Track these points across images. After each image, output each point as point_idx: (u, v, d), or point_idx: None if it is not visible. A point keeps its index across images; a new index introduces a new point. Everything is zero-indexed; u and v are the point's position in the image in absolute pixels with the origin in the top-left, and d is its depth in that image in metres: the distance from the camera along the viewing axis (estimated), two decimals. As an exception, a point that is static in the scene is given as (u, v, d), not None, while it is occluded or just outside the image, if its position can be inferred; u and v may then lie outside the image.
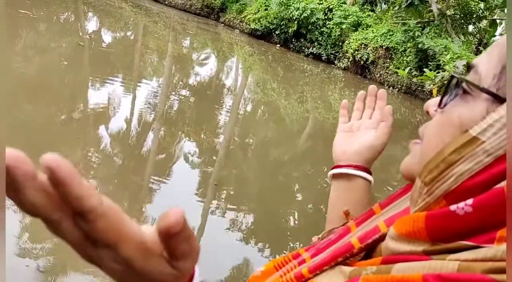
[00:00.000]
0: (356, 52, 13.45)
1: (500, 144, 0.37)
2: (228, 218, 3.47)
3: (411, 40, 12.29)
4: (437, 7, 12.80)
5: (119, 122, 4.91)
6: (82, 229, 0.28)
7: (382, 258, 0.43)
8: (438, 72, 9.86)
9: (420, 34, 12.26)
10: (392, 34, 13.04)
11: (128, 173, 3.84)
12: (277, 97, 8.70)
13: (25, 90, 4.74)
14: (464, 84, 0.43)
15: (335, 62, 14.37)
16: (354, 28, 14.11)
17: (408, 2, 12.78)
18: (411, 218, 0.41)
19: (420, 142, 0.48)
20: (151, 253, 0.30)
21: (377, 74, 13.14)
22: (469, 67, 0.44)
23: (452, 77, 0.45)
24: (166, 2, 17.70)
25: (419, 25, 12.77)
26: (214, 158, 4.86)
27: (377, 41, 13.13)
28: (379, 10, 16.01)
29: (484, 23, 14.40)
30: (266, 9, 15.62)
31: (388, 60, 12.90)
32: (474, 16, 13.87)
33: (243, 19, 16.33)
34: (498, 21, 12.69)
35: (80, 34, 8.64)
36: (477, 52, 13.45)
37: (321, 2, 14.78)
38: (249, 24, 15.86)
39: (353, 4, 15.25)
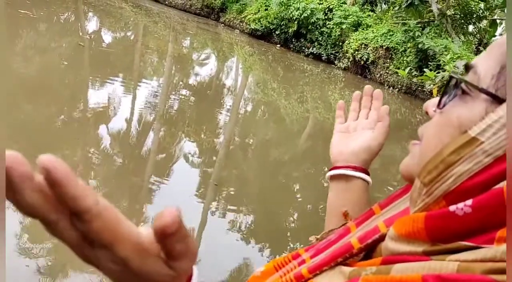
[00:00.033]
0: (356, 52, 13.45)
1: (499, 144, 0.37)
2: (228, 218, 3.47)
3: (411, 40, 12.29)
4: (437, 7, 12.80)
5: (119, 122, 4.91)
6: (79, 230, 0.28)
7: (382, 259, 0.43)
8: (438, 72, 9.87)
9: (420, 34, 12.26)
10: (392, 34, 13.04)
11: (128, 173, 3.84)
12: (277, 97, 8.70)
13: (25, 90, 4.74)
14: (463, 85, 0.43)
15: (335, 62, 14.37)
16: (354, 28, 14.11)
17: (408, 2, 12.78)
18: (411, 219, 0.41)
19: (419, 142, 0.48)
20: (147, 253, 0.30)
21: (377, 74, 13.14)
22: (468, 67, 0.44)
23: (451, 77, 0.45)
24: (166, 2, 17.70)
25: (419, 25, 12.77)
26: (214, 158, 4.86)
27: (377, 41, 13.13)
28: (379, 10, 16.01)
29: (484, 23, 14.40)
30: (266, 9, 15.62)
31: (388, 60, 12.90)
32: (474, 16, 13.87)
33: (243, 19, 16.33)
34: (498, 21, 12.68)
35: (80, 34, 8.64)
36: (477, 52, 13.44)
37: (321, 2, 14.78)
38: (249, 24, 15.86)
39: (353, 4, 15.25)
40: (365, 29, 13.94)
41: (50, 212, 0.27)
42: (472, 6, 13.61)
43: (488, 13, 13.79)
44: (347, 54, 13.86)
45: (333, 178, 0.73)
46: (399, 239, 0.42)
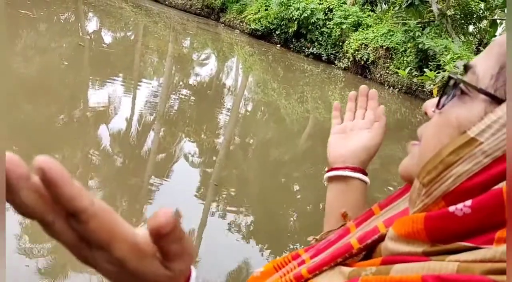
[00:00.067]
0: (357, 52, 13.46)
1: (498, 145, 0.37)
2: (228, 218, 3.47)
3: (412, 40, 12.29)
4: (438, 7, 12.80)
5: (120, 122, 4.91)
6: (75, 230, 0.28)
7: (381, 259, 0.43)
8: (439, 73, 9.87)
9: (420, 34, 12.26)
10: (393, 34, 13.05)
11: (129, 173, 3.84)
12: (277, 98, 8.70)
13: (25, 90, 4.74)
14: (461, 85, 0.43)
15: (336, 62, 14.37)
16: (354, 28, 14.12)
17: (409, 2, 12.78)
18: (410, 219, 0.41)
19: (418, 143, 0.48)
20: (144, 254, 0.30)
21: (377, 74, 13.14)
22: (466, 68, 0.44)
23: (449, 78, 0.45)
24: (167, 2, 17.70)
25: (420, 25, 12.77)
26: (214, 158, 4.86)
27: (377, 41, 13.13)
28: (380, 10, 16.01)
29: (484, 23, 14.40)
30: (266, 9, 15.62)
31: (388, 60, 12.90)
32: (474, 16, 13.88)
33: (243, 19, 16.34)
34: (498, 21, 12.68)
35: (80, 34, 8.64)
36: (477, 52, 13.44)
37: (321, 2, 14.78)
38: (249, 24, 15.86)
39: (353, 4, 15.25)
40: (365, 29, 13.94)
41: (46, 213, 0.27)
42: (472, 6, 13.61)
43: (488, 13, 13.80)
44: (347, 54, 13.86)
45: (331, 179, 0.73)
46: (398, 240, 0.42)
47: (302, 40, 15.07)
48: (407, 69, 11.24)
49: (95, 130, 4.51)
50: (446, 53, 11.20)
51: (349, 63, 13.78)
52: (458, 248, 0.37)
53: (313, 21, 14.44)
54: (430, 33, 12.42)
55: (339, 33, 14.22)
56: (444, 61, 10.80)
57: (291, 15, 14.61)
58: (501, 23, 12.58)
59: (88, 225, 0.27)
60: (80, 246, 0.29)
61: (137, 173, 3.84)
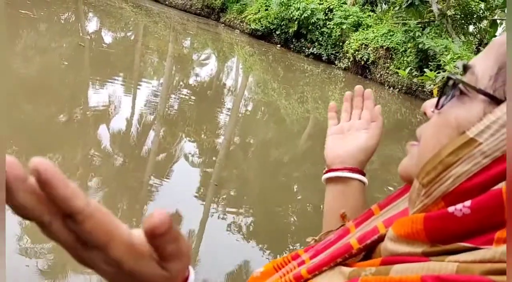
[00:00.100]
0: (357, 52, 13.46)
1: (497, 145, 0.37)
2: (228, 219, 3.47)
3: (412, 41, 12.29)
4: (438, 7, 12.80)
5: (120, 122, 4.91)
6: (72, 231, 0.29)
7: (381, 259, 0.43)
8: (439, 73, 9.86)
9: (420, 34, 12.26)
10: (393, 35, 13.04)
11: (129, 173, 3.84)
12: (277, 98, 8.70)
13: (25, 90, 4.74)
14: (460, 86, 0.43)
15: (336, 62, 14.37)
16: (354, 29, 14.12)
17: (409, 2, 12.78)
18: (410, 219, 0.41)
19: (418, 143, 0.48)
20: (140, 254, 0.30)
21: (377, 75, 13.14)
22: (465, 68, 0.44)
23: (448, 78, 0.45)
24: (167, 2, 17.70)
25: (420, 25, 12.77)
26: (215, 158, 4.86)
27: (377, 42, 13.13)
28: (380, 10, 16.01)
29: (484, 23, 14.40)
30: (266, 9, 15.62)
31: (388, 60, 12.90)
32: (474, 16, 13.88)
33: (243, 19, 16.34)
34: (498, 21, 12.68)
35: (81, 34, 8.64)
36: (478, 52, 13.41)
37: (322, 2, 14.78)
38: (250, 24, 15.87)
39: (353, 4, 15.25)
40: (365, 29, 13.94)
41: (43, 214, 0.28)
42: (473, 6, 13.61)
43: (488, 13, 13.80)
44: (347, 55, 13.86)
45: (329, 180, 0.73)
46: (398, 240, 0.42)
47: (302, 40, 15.07)
48: (407, 69, 11.24)
49: (95, 131, 4.51)
50: (446, 53, 11.20)
51: (349, 63, 13.78)
52: (457, 248, 0.37)
53: (313, 21, 14.44)
54: (430, 33, 12.42)
55: (339, 33, 14.22)
56: (444, 61, 10.80)
57: (291, 15, 14.61)
58: (501, 23, 12.57)
59: (84, 226, 0.28)
60: (77, 247, 0.29)
61: (137, 173, 3.84)
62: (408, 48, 12.44)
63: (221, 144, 5.23)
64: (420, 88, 11.82)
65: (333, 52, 14.51)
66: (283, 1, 14.54)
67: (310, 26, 14.62)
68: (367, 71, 13.49)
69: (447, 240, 0.38)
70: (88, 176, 3.46)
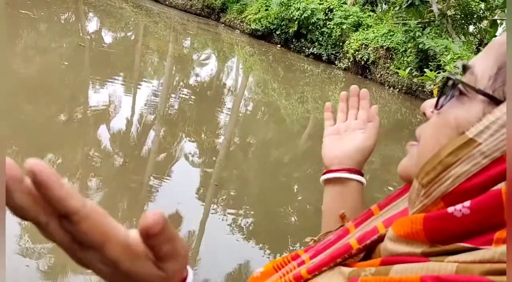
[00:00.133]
0: (357, 52, 13.45)
1: (496, 145, 0.37)
2: (229, 219, 3.47)
3: (412, 41, 12.29)
4: (438, 8, 12.80)
5: (120, 122, 4.91)
6: (68, 231, 0.29)
7: (381, 259, 0.43)
8: (439, 73, 9.85)
9: (420, 34, 12.26)
10: (393, 35, 13.04)
11: (129, 173, 3.84)
12: (277, 98, 8.70)
13: (25, 90, 4.75)
14: (460, 86, 0.43)
15: (336, 62, 14.37)
16: (354, 29, 14.11)
17: (409, 2, 12.77)
18: (409, 220, 0.41)
19: (417, 143, 0.48)
20: (136, 254, 0.30)
21: (377, 75, 13.14)
22: (465, 68, 0.44)
23: (448, 78, 0.45)
24: (167, 3, 17.70)
25: (420, 25, 12.76)
26: (215, 158, 4.86)
27: (377, 42, 13.12)
28: (380, 10, 16.01)
29: (484, 23, 14.40)
30: (266, 9, 15.62)
31: (388, 60, 12.90)
32: (474, 16, 13.87)
33: (243, 19, 16.34)
34: (498, 21, 12.68)
35: (81, 34, 8.64)
36: (478, 52, 13.34)
37: (322, 2, 14.78)
38: (250, 25, 15.87)
39: (353, 5, 15.25)
40: (365, 29, 13.94)
41: (39, 214, 0.28)
42: (473, 6, 13.61)
43: (488, 13, 13.79)
44: (347, 55, 13.86)
45: (328, 181, 0.72)
46: (398, 240, 0.42)
47: (303, 40, 15.07)
48: (408, 70, 11.23)
49: (95, 131, 4.51)
50: (446, 53, 11.19)
51: (349, 63, 13.77)
52: (457, 248, 0.37)
53: (314, 21, 14.44)
54: (431, 33, 12.42)
55: (340, 33, 14.22)
56: (445, 62, 10.80)
57: (291, 15, 14.61)
58: (501, 23, 12.57)
59: (79, 226, 0.28)
60: (74, 247, 0.30)
61: (138, 173, 3.84)
62: (408, 48, 12.44)
63: (221, 144, 5.23)
64: (420, 89, 11.82)
65: (333, 52, 14.51)
66: (283, 1, 14.54)
67: (310, 26, 14.62)
68: (367, 71, 13.49)
69: (447, 240, 0.38)
70: (88, 176, 3.46)
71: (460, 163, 0.39)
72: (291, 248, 3.33)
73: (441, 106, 0.44)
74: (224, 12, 17.43)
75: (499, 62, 0.41)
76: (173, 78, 8.12)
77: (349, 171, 0.70)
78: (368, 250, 0.51)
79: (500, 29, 12.46)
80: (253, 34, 15.80)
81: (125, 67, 7.56)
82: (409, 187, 0.46)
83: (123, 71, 7.21)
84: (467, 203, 0.37)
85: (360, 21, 14.17)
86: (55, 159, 3.58)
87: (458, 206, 0.37)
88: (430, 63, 11.51)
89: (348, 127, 0.75)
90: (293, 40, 15.24)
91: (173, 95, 6.95)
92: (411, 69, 11.58)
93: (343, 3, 14.75)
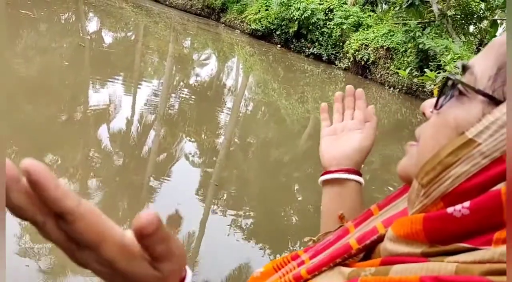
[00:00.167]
0: (357, 52, 13.45)
1: (496, 146, 0.37)
2: (229, 219, 3.47)
3: (412, 41, 12.29)
4: (438, 8, 12.80)
5: (120, 122, 4.91)
6: (64, 231, 0.29)
7: (380, 259, 0.43)
8: (439, 73, 9.85)
9: (420, 34, 12.25)
10: (393, 35, 13.04)
11: (129, 173, 3.84)
12: (277, 98, 8.70)
13: (26, 90, 4.75)
14: (459, 86, 0.43)
15: (336, 62, 14.37)
16: (354, 29, 14.11)
17: (409, 2, 12.77)
18: (409, 220, 0.41)
19: (417, 143, 0.48)
20: (132, 254, 0.31)
21: (377, 75, 13.14)
22: (464, 68, 0.44)
23: (447, 78, 0.45)
24: (167, 3, 17.71)
25: (420, 25, 12.76)
26: (215, 158, 4.86)
27: (377, 42, 13.12)
28: (380, 10, 16.01)
29: (485, 23, 14.40)
30: (266, 10, 15.62)
31: (388, 60, 12.90)
32: (475, 16, 13.87)
33: (243, 19, 16.34)
34: (499, 21, 12.68)
35: (81, 34, 8.64)
36: (478, 52, 13.37)
37: (322, 2, 14.78)
38: (250, 25, 15.87)
39: (353, 5, 15.25)
40: (365, 29, 13.94)
41: (35, 213, 0.28)
42: (473, 6, 13.61)
43: (488, 13, 13.79)
44: (347, 55, 13.86)
45: (326, 182, 0.72)
46: (397, 240, 0.42)
47: (303, 40, 15.07)
48: (408, 70, 11.23)
49: (96, 131, 4.51)
50: (446, 53, 11.19)
51: (349, 63, 13.77)
52: (456, 249, 0.37)
53: (314, 21, 14.44)
54: (431, 34, 12.42)
55: (340, 34, 14.22)
56: (445, 62, 10.79)
57: (291, 15, 14.61)
58: (501, 24, 12.57)
59: (75, 226, 0.28)
60: (71, 247, 0.30)
61: (138, 173, 3.85)
62: (409, 48, 12.44)
63: (221, 144, 5.23)
64: (420, 89, 11.82)
65: (333, 52, 14.51)
66: (283, 1, 14.54)
67: (311, 26, 14.62)
68: (367, 71, 13.49)
69: (446, 241, 0.38)
70: (89, 176, 3.46)
71: (460, 163, 0.38)
72: (291, 248, 3.33)
73: (441, 106, 0.44)
74: (224, 12, 17.43)
75: (499, 63, 0.40)
76: (173, 78, 8.12)
77: (348, 171, 0.70)
78: (368, 250, 0.51)
79: (500, 29, 12.46)
80: (253, 34, 15.80)
81: (125, 67, 7.56)
82: (408, 187, 0.46)
83: (123, 71, 7.22)
84: (467, 203, 0.37)
85: (360, 21, 14.17)
86: (55, 159, 3.58)
87: (458, 206, 0.37)
88: (430, 63, 11.50)
89: (345, 127, 0.75)
90: (293, 40, 15.24)
91: (173, 95, 6.95)
92: (411, 69, 11.58)
93: (343, 3, 14.75)
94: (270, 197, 4.21)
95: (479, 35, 14.91)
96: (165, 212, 3.20)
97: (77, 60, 6.87)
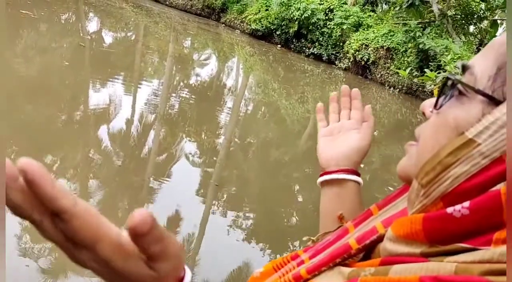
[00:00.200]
0: (357, 52, 13.45)
1: (496, 146, 0.37)
2: (229, 218, 3.47)
3: (412, 41, 12.29)
4: (438, 8, 12.80)
5: (120, 122, 4.91)
6: (61, 230, 0.29)
7: (380, 259, 0.43)
8: (439, 73, 9.85)
9: (421, 34, 12.26)
10: (393, 35, 13.04)
11: (129, 173, 3.84)
12: (278, 98, 8.70)
13: (26, 90, 4.75)
14: (459, 86, 0.43)
15: (336, 62, 14.37)
16: (355, 29, 14.12)
17: (409, 2, 12.78)
18: (409, 220, 0.41)
19: (416, 143, 0.48)
20: (128, 254, 0.31)
21: (378, 75, 13.14)
22: (464, 68, 0.44)
23: (447, 78, 0.44)
24: (167, 3, 17.71)
25: (420, 25, 12.76)
26: (215, 158, 4.86)
27: (378, 42, 13.13)
28: (380, 10, 16.01)
29: (485, 23, 14.40)
30: (267, 10, 15.63)
31: (389, 60, 12.90)
32: (475, 16, 13.87)
33: (244, 19, 16.34)
34: (499, 21, 12.68)
35: (81, 34, 8.64)
36: (478, 52, 13.42)
37: (322, 2, 14.78)
38: (250, 25, 15.87)
39: (354, 5, 15.25)
40: (365, 29, 13.94)
41: (33, 212, 0.29)
42: (473, 6, 13.61)
43: (489, 13, 13.79)
44: (347, 55, 13.86)
45: (324, 183, 0.72)
46: (397, 240, 0.42)
47: (303, 40, 15.08)
48: (408, 70, 11.23)
49: (96, 131, 4.52)
50: (446, 53, 11.19)
51: (349, 63, 13.78)
52: (456, 249, 0.37)
53: (314, 21, 14.44)
54: (431, 34, 12.42)
55: (340, 34, 14.22)
56: (445, 62, 10.79)
57: (291, 16, 14.61)
58: (501, 24, 12.57)
59: (70, 225, 0.29)
60: (68, 246, 0.30)
61: (138, 173, 3.85)
62: (409, 48, 12.44)
63: (221, 144, 5.23)
64: (420, 89, 11.82)
65: (334, 52, 14.51)
66: (283, 1, 14.54)
67: (311, 26, 14.63)
68: (368, 71, 13.49)
69: (446, 241, 0.38)
70: (89, 176, 3.46)
71: (460, 163, 0.38)
72: (291, 248, 3.33)
73: (441, 106, 0.44)
74: (224, 12, 17.44)
75: (498, 63, 0.40)
76: (173, 78, 8.12)
77: (346, 171, 0.70)
78: (368, 250, 0.51)
79: (500, 29, 12.46)
80: (254, 34, 15.81)
81: (125, 67, 7.56)
82: (408, 187, 0.46)
83: (124, 71, 7.22)
84: (467, 204, 0.37)
85: (360, 21, 14.17)
86: (55, 159, 3.58)
87: (458, 206, 0.37)
88: (430, 63, 11.50)
89: (342, 127, 0.75)
90: (294, 40, 15.24)
91: (173, 95, 6.95)
92: (411, 69, 11.58)
93: (343, 3, 14.75)
94: (270, 197, 4.21)
95: (479, 35, 14.91)
96: (165, 212, 3.20)
97: (77, 60, 6.87)
